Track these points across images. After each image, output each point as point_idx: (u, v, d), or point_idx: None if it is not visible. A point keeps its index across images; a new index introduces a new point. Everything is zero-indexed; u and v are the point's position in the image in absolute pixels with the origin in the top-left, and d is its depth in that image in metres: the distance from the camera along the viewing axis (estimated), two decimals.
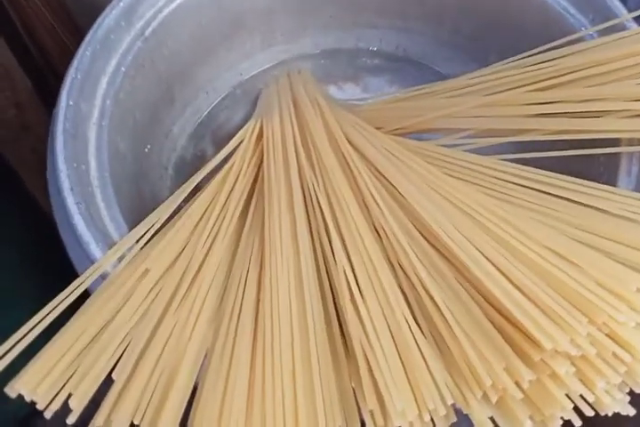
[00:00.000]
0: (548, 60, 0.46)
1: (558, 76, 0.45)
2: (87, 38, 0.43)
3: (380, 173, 0.45)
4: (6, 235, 0.61)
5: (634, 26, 0.44)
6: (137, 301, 0.33)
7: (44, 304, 0.32)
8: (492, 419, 0.29)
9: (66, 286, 0.34)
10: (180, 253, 0.37)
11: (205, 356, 0.33)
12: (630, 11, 0.45)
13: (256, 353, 0.32)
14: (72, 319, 0.32)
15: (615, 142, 0.43)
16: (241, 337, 0.32)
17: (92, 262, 0.35)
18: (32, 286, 0.58)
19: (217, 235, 0.39)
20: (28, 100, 0.72)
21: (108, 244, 0.37)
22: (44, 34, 0.67)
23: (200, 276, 0.36)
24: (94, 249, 0.36)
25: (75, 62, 0.42)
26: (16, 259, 0.61)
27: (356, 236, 0.39)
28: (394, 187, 0.43)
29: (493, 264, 0.34)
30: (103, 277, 0.35)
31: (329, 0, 0.56)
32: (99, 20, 0.44)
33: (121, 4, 0.45)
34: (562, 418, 0.29)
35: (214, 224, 0.41)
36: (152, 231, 0.39)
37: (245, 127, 0.52)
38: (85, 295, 0.34)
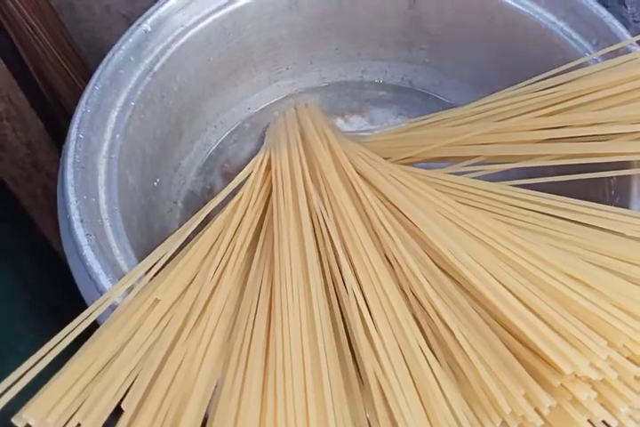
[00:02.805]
0: (554, 86, 0.46)
1: (564, 101, 0.45)
2: (97, 73, 0.44)
3: (389, 201, 0.45)
4: (16, 273, 0.61)
5: (638, 49, 0.44)
6: (146, 331, 0.32)
7: None
8: None
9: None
10: (190, 284, 0.37)
11: (216, 387, 0.32)
12: (633, 35, 0.46)
13: (267, 384, 0.31)
14: (81, 349, 0.31)
15: (624, 165, 0.42)
16: (252, 368, 0.32)
17: (102, 294, 0.35)
18: (40, 321, 0.57)
19: (226, 266, 0.39)
20: (39, 140, 0.73)
21: (118, 275, 0.36)
22: (55, 76, 0.68)
23: (209, 306, 0.35)
24: (104, 280, 0.36)
25: (85, 97, 0.43)
26: (26, 298, 0.61)
27: (367, 264, 0.39)
28: (404, 215, 0.43)
29: (509, 290, 0.33)
30: (112, 308, 0.35)
31: (334, 33, 0.57)
32: (108, 55, 0.45)
33: (130, 39, 0.46)
34: None
35: (223, 255, 0.40)
36: (161, 263, 0.38)
37: (254, 160, 0.52)
38: (94, 328, 0.34)
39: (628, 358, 0.29)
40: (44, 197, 0.76)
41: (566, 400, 0.29)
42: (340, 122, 0.61)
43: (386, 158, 0.51)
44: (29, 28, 0.64)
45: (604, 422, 0.28)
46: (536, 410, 0.28)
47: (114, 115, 0.44)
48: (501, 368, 0.30)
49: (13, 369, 0.30)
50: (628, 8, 0.61)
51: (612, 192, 0.44)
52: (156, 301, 0.34)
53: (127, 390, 0.30)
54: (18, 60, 0.66)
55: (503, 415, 0.29)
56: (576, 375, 0.29)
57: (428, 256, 0.38)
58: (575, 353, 0.29)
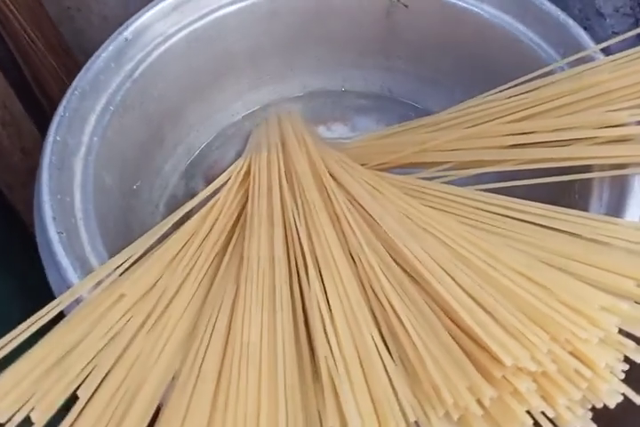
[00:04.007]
0: (522, 93, 0.47)
1: (531, 107, 0.46)
2: (77, 78, 0.46)
3: (358, 203, 0.46)
4: (14, 278, 0.62)
5: (601, 57, 0.46)
6: (109, 323, 0.34)
7: None
8: None
9: None
10: (157, 282, 0.38)
11: (173, 379, 0.33)
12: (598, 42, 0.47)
13: (222, 375, 0.32)
14: (43, 338, 0.32)
15: (588, 169, 0.43)
16: (209, 361, 0.33)
17: (69, 288, 0.36)
18: None
19: (194, 267, 0.40)
20: (33, 146, 0.75)
21: (87, 271, 0.38)
22: (50, 82, 0.70)
23: (174, 304, 0.36)
24: (71, 275, 0.37)
25: (64, 101, 0.44)
26: (23, 301, 0.61)
27: (331, 262, 0.40)
28: (370, 216, 0.44)
29: (459, 285, 0.34)
30: (79, 301, 0.36)
31: (314, 42, 0.58)
32: (89, 61, 0.47)
33: (111, 47, 0.47)
34: None
35: (192, 256, 0.42)
36: (131, 260, 0.40)
37: (234, 165, 0.54)
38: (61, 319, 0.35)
39: (570, 353, 0.30)
40: None
41: (507, 392, 0.29)
42: (322, 129, 0.62)
43: (363, 164, 0.53)
44: (28, 39, 0.66)
45: (542, 413, 0.29)
46: (478, 401, 0.29)
47: (93, 118, 0.46)
48: (448, 361, 0.31)
49: None
50: (607, 20, 0.62)
51: (577, 196, 0.45)
52: (122, 295, 0.36)
53: (84, 379, 0.31)
54: (16, 68, 0.68)
55: (446, 406, 0.29)
56: (518, 368, 0.29)
57: (389, 254, 0.40)
58: (517, 346, 0.30)
